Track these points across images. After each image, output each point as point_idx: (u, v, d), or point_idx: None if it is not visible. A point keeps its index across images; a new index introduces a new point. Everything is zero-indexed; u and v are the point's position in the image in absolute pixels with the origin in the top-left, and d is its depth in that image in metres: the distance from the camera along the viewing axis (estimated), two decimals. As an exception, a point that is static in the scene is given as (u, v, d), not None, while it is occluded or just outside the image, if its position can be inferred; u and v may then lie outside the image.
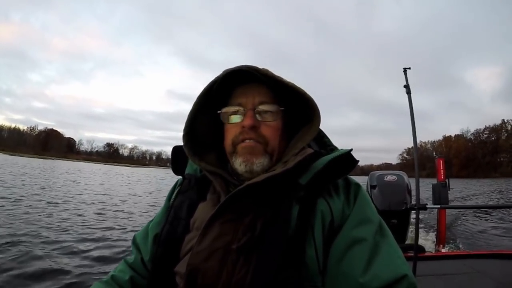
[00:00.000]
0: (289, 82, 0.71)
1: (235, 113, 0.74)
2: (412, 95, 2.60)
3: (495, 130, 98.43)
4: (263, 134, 0.72)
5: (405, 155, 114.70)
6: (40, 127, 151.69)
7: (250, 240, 0.63)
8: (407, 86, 2.61)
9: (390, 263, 0.62)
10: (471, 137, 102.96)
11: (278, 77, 0.70)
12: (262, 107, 0.73)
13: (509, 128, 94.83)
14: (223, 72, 0.71)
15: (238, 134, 0.72)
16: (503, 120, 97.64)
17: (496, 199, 16.07)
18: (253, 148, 0.71)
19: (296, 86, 0.71)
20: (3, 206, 7.20)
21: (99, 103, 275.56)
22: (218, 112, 0.76)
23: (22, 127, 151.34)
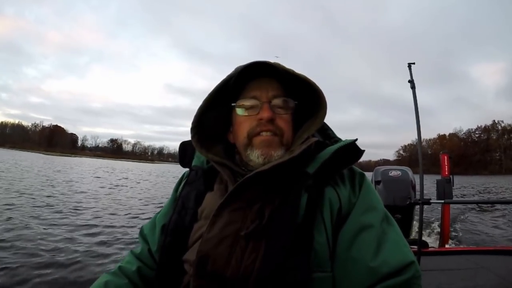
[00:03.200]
0: (300, 74, 0.73)
1: (250, 106, 0.75)
2: (416, 90, 2.59)
3: (486, 130, 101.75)
4: (280, 127, 0.73)
5: (401, 151, 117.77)
6: (45, 123, 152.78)
7: (258, 227, 0.64)
8: (411, 81, 2.60)
9: (398, 250, 0.64)
10: (464, 136, 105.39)
11: (290, 69, 0.72)
12: (276, 101, 0.74)
13: (499, 128, 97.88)
14: (237, 68, 0.73)
15: (255, 126, 0.73)
16: (494, 120, 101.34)
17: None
18: (270, 141, 0.73)
19: (308, 78, 0.73)
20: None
21: (96, 98, 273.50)
22: (233, 104, 0.77)
23: (25, 123, 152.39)
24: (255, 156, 0.73)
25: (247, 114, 0.75)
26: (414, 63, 2.66)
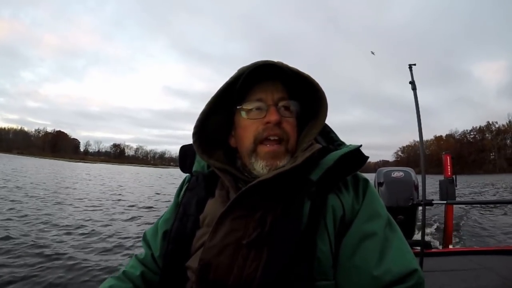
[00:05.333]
0: (304, 73, 0.72)
1: (256, 108, 0.73)
2: (417, 90, 2.60)
3: (481, 130, 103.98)
4: (286, 131, 0.72)
5: (399, 153, 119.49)
6: (46, 129, 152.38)
7: (260, 235, 0.64)
8: (412, 82, 2.61)
9: (401, 258, 0.64)
10: (459, 137, 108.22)
11: (295, 69, 0.71)
12: (283, 103, 0.73)
13: (493, 129, 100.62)
14: (240, 70, 0.71)
15: (262, 130, 0.72)
16: (488, 122, 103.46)
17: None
18: (276, 152, 0.71)
19: (311, 77, 0.72)
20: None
21: (94, 102, 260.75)
22: (238, 107, 0.75)
23: (28, 128, 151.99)
24: (259, 167, 0.72)
25: (253, 117, 0.73)
26: (415, 64, 2.66)
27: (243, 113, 0.74)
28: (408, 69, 2.64)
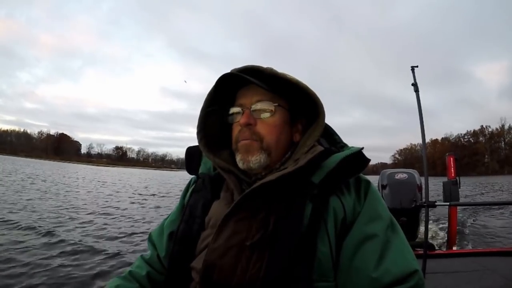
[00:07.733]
0: (292, 78, 0.73)
1: (236, 113, 0.77)
2: (419, 93, 2.60)
3: (475, 134, 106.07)
4: (257, 132, 0.74)
5: (397, 155, 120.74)
6: (45, 131, 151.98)
7: (263, 237, 0.65)
8: (415, 84, 2.61)
9: (401, 259, 0.64)
10: (454, 140, 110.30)
11: (281, 74, 0.73)
12: (257, 105, 0.75)
13: (486, 133, 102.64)
14: (221, 76, 0.74)
15: (238, 133, 0.76)
16: (482, 126, 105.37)
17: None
18: (248, 146, 0.74)
19: (299, 82, 0.74)
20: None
21: (91, 103, 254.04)
22: (226, 112, 0.79)
23: (29, 131, 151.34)
24: (238, 161, 0.75)
25: (234, 121, 0.78)
26: (417, 66, 2.66)
27: (229, 118, 0.79)
28: (411, 71, 2.65)
